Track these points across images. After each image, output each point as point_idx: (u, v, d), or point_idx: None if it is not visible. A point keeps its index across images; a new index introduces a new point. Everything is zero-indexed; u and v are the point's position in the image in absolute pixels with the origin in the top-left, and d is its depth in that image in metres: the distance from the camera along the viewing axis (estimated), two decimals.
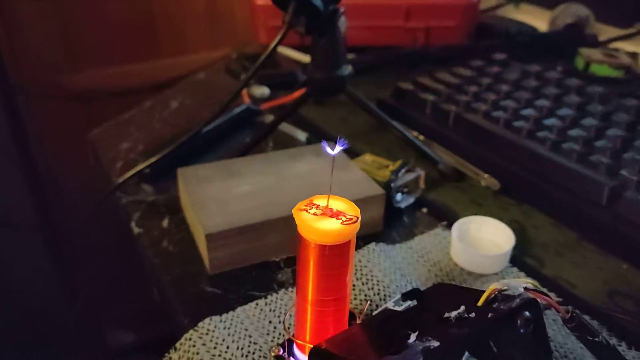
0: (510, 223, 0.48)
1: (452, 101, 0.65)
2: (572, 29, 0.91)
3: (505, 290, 0.29)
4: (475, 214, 0.50)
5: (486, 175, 0.56)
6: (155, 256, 0.48)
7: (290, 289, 0.44)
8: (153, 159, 0.55)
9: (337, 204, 0.32)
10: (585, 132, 0.56)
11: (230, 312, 0.42)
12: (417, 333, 0.27)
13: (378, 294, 0.42)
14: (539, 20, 1.00)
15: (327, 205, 0.31)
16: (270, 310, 0.42)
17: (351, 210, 0.31)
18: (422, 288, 0.44)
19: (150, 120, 0.72)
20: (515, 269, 0.46)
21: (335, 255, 0.31)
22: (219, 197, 0.48)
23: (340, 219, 0.31)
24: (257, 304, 0.43)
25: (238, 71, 0.85)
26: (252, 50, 0.91)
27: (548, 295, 0.30)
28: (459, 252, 0.46)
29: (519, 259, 0.47)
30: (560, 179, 0.52)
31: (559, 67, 0.72)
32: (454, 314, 0.28)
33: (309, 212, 0.31)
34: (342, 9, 0.55)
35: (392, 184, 0.52)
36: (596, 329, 0.30)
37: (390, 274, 0.44)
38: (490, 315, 0.27)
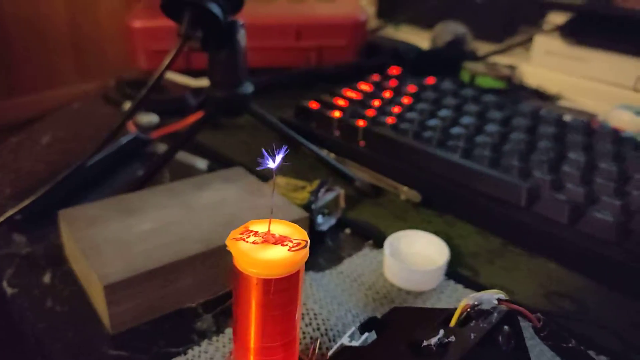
0: (436, 235, 0.46)
1: (358, 116, 0.63)
2: (453, 45, 0.95)
3: (477, 305, 0.26)
4: (400, 229, 0.47)
5: (405, 189, 0.54)
6: (39, 320, 0.39)
7: (215, 338, 0.37)
8: (25, 202, 0.46)
9: (278, 227, 0.27)
10: (490, 138, 0.57)
11: None
12: None
13: (318, 329, 0.37)
14: (419, 40, 1.04)
15: (269, 231, 0.26)
16: None
17: (296, 233, 0.26)
18: (362, 315, 0.39)
19: (17, 159, 0.61)
20: (452, 282, 0.44)
21: (282, 291, 0.26)
22: (115, 239, 0.40)
23: (287, 245, 0.25)
24: None
25: (118, 99, 0.76)
26: (132, 76, 0.83)
27: (519, 305, 0.27)
28: (393, 270, 0.43)
29: (452, 270, 0.45)
30: (477, 185, 0.52)
31: (447, 81, 0.74)
32: (433, 340, 0.24)
33: (246, 241, 0.26)
34: (241, 21, 0.51)
35: (313, 206, 0.48)
36: (567, 335, 0.28)
37: (327, 305, 0.39)
38: (472, 335, 0.24)
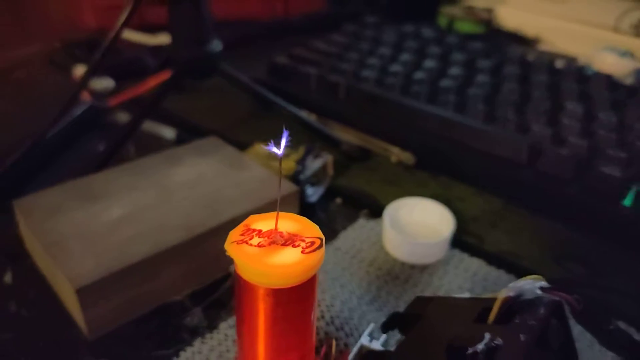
0: (433, 199, 0.43)
1: (337, 72, 0.58)
2: None
3: (519, 296, 0.23)
4: (395, 195, 0.44)
5: (396, 150, 0.50)
6: (4, 328, 0.34)
7: (208, 335, 0.34)
8: None
9: (286, 223, 0.22)
10: (482, 90, 0.53)
11: None
12: None
13: (322, 317, 0.34)
14: None
15: (276, 228, 0.22)
16: None
17: (308, 229, 0.22)
18: (367, 296, 0.36)
19: None
20: (457, 251, 0.41)
21: (296, 300, 0.22)
22: (83, 232, 0.35)
23: (299, 245, 0.21)
24: None
25: (67, 63, 0.68)
26: (80, 37, 0.75)
27: (559, 289, 0.24)
28: (395, 244, 0.40)
29: (456, 238, 0.42)
30: (473, 143, 0.48)
31: (428, 28, 0.69)
32: (480, 346, 0.20)
33: (250, 244, 0.21)
34: None
35: (301, 176, 0.44)
36: (608, 316, 0.25)
37: (329, 289, 0.36)
38: (522, 337, 0.21)
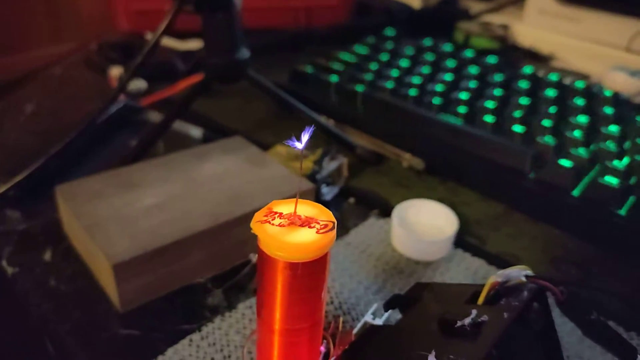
0: (440, 202, 0.46)
1: (356, 81, 0.61)
2: (446, 4, 0.92)
3: (505, 282, 0.26)
4: (404, 197, 0.47)
5: (408, 156, 0.53)
6: (44, 300, 0.38)
7: (227, 313, 0.37)
8: (19, 178, 0.44)
9: (304, 208, 0.26)
10: (492, 103, 0.56)
11: (160, 357, 0.34)
12: (434, 353, 0.22)
13: (332, 302, 0.37)
14: None
15: (295, 212, 0.25)
16: (209, 345, 0.35)
17: (323, 214, 0.26)
18: (374, 286, 0.39)
19: (2, 130, 0.58)
20: (459, 251, 0.44)
21: (309, 274, 0.25)
22: (119, 216, 0.39)
23: (314, 227, 0.25)
24: (191, 340, 0.35)
25: (102, 64, 0.73)
26: (115, 39, 0.79)
27: (543, 279, 0.27)
28: (402, 241, 0.43)
29: (460, 238, 0.45)
30: (481, 151, 0.51)
31: (441, 42, 0.72)
32: (467, 320, 0.24)
33: (272, 224, 0.25)
34: None
35: (317, 176, 0.47)
36: (589, 307, 0.28)
37: (339, 277, 0.39)
38: (505, 315, 0.24)
